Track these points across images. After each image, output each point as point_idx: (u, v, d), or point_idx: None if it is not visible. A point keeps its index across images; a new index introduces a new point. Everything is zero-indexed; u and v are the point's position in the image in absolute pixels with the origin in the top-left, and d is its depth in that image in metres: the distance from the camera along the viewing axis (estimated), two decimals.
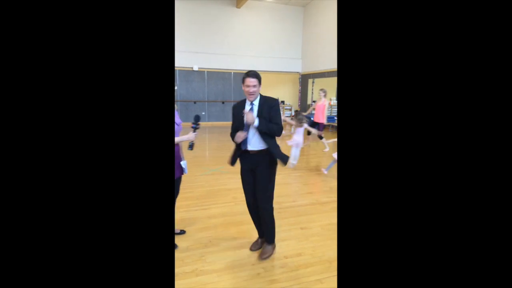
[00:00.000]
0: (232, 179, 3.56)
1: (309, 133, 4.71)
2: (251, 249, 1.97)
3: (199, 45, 8.56)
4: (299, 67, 9.82)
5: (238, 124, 1.80)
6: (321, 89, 5.03)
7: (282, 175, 3.82)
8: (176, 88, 8.45)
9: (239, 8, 8.72)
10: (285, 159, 1.89)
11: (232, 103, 9.03)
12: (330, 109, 8.93)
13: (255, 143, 1.79)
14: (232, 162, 1.93)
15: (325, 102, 4.93)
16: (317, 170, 4.05)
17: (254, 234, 2.19)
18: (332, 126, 8.02)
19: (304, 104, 9.81)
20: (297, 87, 10.04)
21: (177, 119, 1.89)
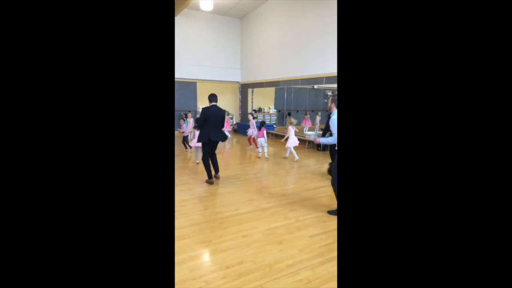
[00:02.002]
0: None
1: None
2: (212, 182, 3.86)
3: None
4: (238, 77, 10.05)
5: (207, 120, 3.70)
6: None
7: (224, 184, 3.84)
8: None
9: (176, 16, 8.54)
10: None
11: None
12: (269, 117, 9.35)
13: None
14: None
15: None
16: (257, 177, 4.18)
17: (195, 248, 2.15)
18: (271, 134, 8.38)
19: (245, 113, 10.04)
20: (238, 96, 10.24)
21: None
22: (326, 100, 8.18)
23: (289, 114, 8.64)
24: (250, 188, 3.68)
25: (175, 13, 8.40)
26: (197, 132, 4.77)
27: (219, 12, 9.04)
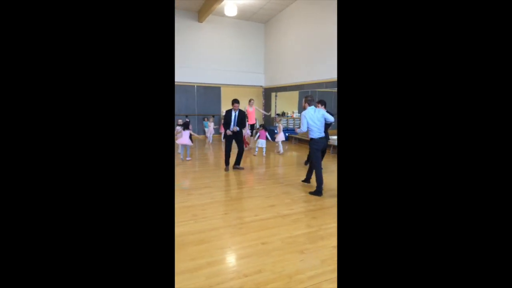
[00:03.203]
0: (191, 196, 3.44)
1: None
2: (226, 170, 4.70)
3: None
4: (262, 81, 10.04)
5: (229, 120, 4.60)
6: (251, 99, 7.22)
7: (245, 188, 3.79)
8: None
9: (201, 22, 8.75)
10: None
11: (196, 117, 8.96)
12: (286, 122, 9.22)
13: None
14: (224, 137, 4.80)
15: (252, 108, 7.13)
16: (279, 183, 4.08)
17: (214, 254, 2.11)
18: (295, 138, 8.24)
19: (268, 116, 10.00)
20: (261, 100, 10.23)
21: None
22: None
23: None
24: (271, 193, 3.59)
25: (201, 20, 8.62)
26: (184, 132, 5.34)
27: (243, 17, 9.12)
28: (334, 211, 3.01)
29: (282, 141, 6.67)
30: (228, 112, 4.63)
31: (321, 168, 3.52)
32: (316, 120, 3.45)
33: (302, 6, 7.73)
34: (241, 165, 4.87)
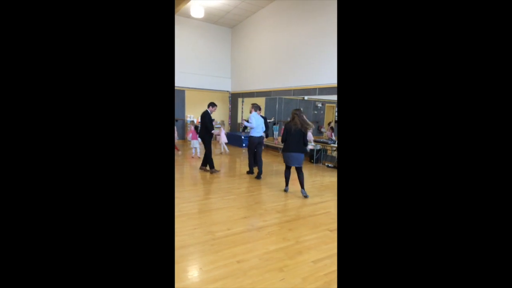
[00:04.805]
0: None
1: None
2: (215, 172, 4.87)
3: None
4: (228, 86, 9.86)
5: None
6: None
7: (215, 199, 3.54)
8: None
9: None
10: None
11: None
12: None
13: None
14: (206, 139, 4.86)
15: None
16: (250, 191, 3.91)
17: (182, 278, 1.84)
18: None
19: (234, 122, 9.81)
20: (227, 105, 10.02)
21: None
22: (316, 112, 8.11)
23: (274, 123, 8.55)
24: (243, 203, 3.40)
25: None
26: None
27: (210, 20, 8.90)
28: (308, 221, 2.92)
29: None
30: (209, 114, 4.81)
31: (260, 159, 4.70)
32: (259, 122, 4.62)
33: (268, 14, 7.76)
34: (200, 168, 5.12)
